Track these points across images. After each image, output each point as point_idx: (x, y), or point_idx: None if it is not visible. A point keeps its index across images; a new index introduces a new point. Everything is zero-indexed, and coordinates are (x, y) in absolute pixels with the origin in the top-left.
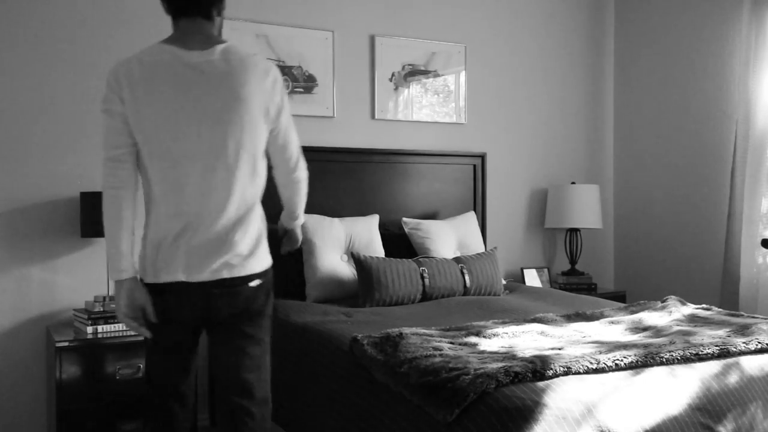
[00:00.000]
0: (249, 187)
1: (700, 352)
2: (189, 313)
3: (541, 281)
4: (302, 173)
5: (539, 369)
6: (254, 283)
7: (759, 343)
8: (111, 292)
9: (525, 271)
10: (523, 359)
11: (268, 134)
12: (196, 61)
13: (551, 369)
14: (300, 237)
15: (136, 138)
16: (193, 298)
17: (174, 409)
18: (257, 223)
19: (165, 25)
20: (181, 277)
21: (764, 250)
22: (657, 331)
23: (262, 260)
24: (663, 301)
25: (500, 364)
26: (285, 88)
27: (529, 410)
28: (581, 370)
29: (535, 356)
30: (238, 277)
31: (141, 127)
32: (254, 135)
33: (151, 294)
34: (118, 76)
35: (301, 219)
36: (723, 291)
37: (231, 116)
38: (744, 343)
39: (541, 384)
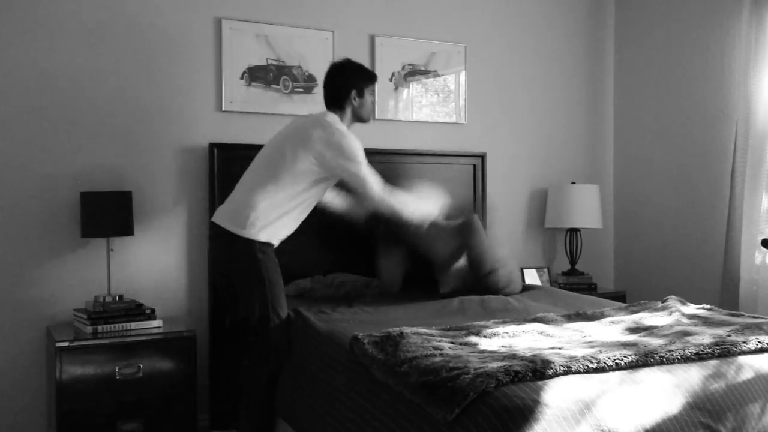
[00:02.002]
0: None
1: (701, 352)
2: None
3: (541, 281)
4: None
5: (539, 368)
6: None
7: (759, 342)
8: (111, 292)
9: (525, 271)
10: (523, 358)
11: None
12: None
13: (551, 368)
14: None
15: None
16: None
17: None
18: None
19: (163, 26)
20: None
21: (764, 250)
22: (657, 331)
23: None
24: (663, 301)
25: (500, 364)
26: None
27: (529, 410)
28: (581, 370)
29: (535, 356)
30: None
31: None
32: None
33: None
34: None
35: None
36: (723, 291)
37: None
38: (744, 342)
39: (541, 383)
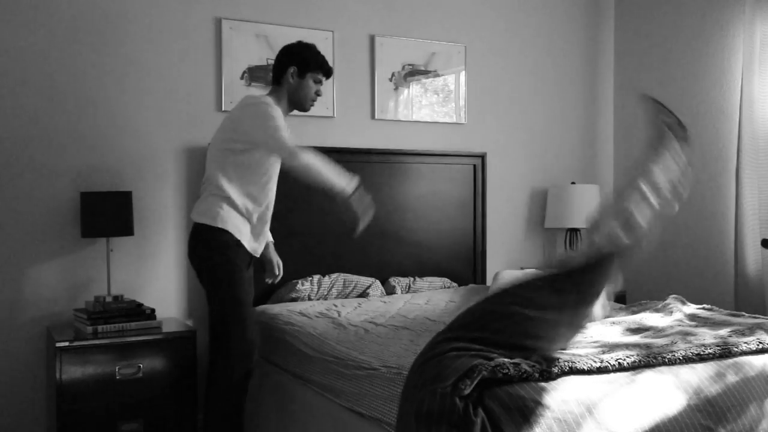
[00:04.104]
0: None
1: (702, 353)
2: None
3: None
4: None
5: (545, 369)
6: None
7: (760, 343)
8: (111, 292)
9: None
10: (527, 359)
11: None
12: None
13: (556, 367)
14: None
15: None
16: None
17: None
18: None
19: (163, 27)
20: None
21: (765, 250)
22: (658, 331)
23: None
24: (664, 301)
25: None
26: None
27: (530, 410)
28: (584, 369)
29: (540, 356)
30: None
31: None
32: None
33: None
34: None
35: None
36: (724, 291)
37: None
38: (745, 343)
39: (543, 384)
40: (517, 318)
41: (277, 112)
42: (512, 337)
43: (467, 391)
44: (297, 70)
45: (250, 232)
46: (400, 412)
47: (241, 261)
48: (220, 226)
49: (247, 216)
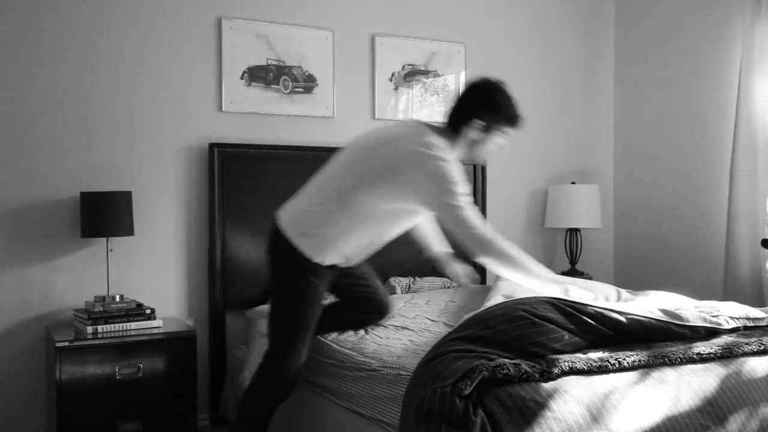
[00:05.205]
0: None
1: (702, 353)
2: None
3: None
4: None
5: (545, 369)
6: None
7: (762, 344)
8: (111, 292)
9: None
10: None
11: None
12: None
13: (556, 368)
14: None
15: None
16: None
17: None
18: None
19: (163, 27)
20: None
21: (765, 250)
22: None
23: None
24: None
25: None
26: None
27: (530, 410)
28: (585, 369)
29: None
30: None
31: None
32: None
33: None
34: None
35: None
36: (723, 291)
37: None
38: (746, 344)
39: (544, 384)
40: (523, 322)
41: (457, 170)
42: (516, 340)
43: (467, 391)
44: (485, 125)
45: (345, 252)
46: (403, 410)
47: (323, 281)
48: (309, 256)
49: (350, 250)
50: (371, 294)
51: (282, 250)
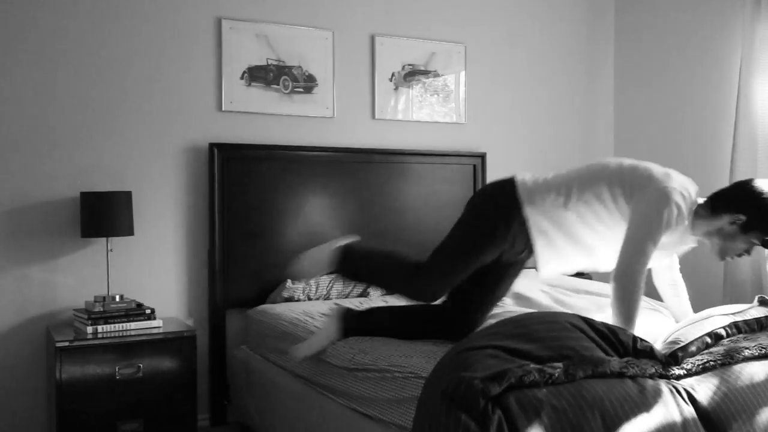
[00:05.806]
0: None
1: (706, 361)
2: None
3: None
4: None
5: (570, 371)
6: None
7: (762, 348)
8: (111, 292)
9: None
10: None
11: None
12: None
13: (581, 370)
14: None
15: None
16: None
17: None
18: None
19: (163, 27)
20: None
21: (765, 250)
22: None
23: None
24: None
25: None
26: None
27: (546, 413)
28: (607, 372)
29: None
30: None
31: None
32: None
33: None
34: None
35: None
36: (724, 291)
37: None
38: (747, 348)
39: (561, 387)
40: (556, 326)
41: (673, 220)
42: (552, 340)
43: (493, 393)
44: (745, 223)
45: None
46: (425, 390)
47: (509, 241)
48: (526, 216)
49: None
50: (484, 307)
51: (505, 195)
